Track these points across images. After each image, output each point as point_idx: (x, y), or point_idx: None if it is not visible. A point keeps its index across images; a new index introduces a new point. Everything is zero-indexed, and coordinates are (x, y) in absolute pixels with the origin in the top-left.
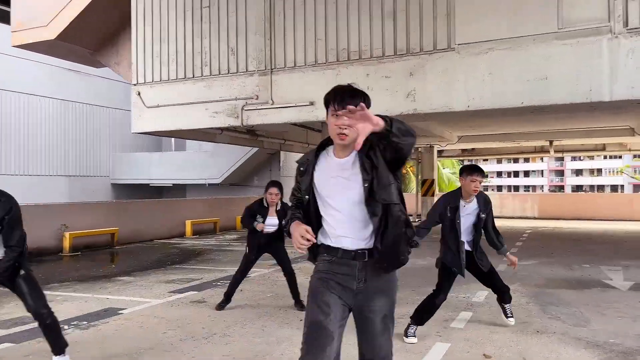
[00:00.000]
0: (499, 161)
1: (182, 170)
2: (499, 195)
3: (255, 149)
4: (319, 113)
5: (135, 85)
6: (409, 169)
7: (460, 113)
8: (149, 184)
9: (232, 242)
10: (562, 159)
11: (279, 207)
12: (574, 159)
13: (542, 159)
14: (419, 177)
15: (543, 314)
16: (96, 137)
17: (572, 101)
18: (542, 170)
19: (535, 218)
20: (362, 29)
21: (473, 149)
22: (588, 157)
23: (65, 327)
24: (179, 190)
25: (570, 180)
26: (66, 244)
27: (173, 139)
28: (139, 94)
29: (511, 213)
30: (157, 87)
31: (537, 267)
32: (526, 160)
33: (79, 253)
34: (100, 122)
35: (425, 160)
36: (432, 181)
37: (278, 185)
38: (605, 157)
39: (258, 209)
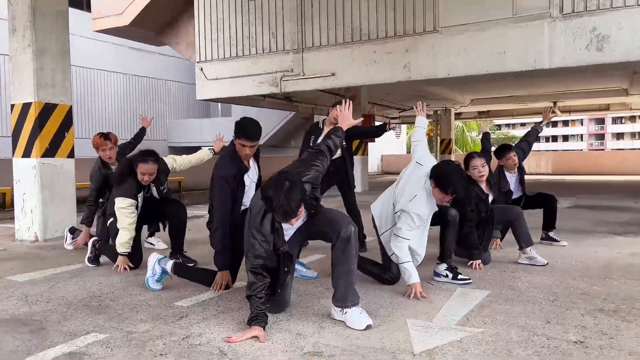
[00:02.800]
0: None
1: (229, 133)
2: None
3: (292, 114)
4: (339, 81)
5: (198, 62)
6: (428, 132)
7: (444, 79)
8: (200, 146)
9: None
10: (602, 121)
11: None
12: (614, 122)
13: (581, 122)
14: (438, 137)
15: None
16: (155, 106)
17: (521, 69)
18: (582, 135)
19: (549, 174)
20: (370, 15)
21: (488, 110)
22: (629, 119)
23: None
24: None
25: (611, 144)
26: None
27: (220, 105)
28: (201, 69)
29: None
30: (215, 64)
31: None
32: (565, 124)
33: None
34: (159, 93)
35: (444, 121)
36: (450, 140)
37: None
38: None
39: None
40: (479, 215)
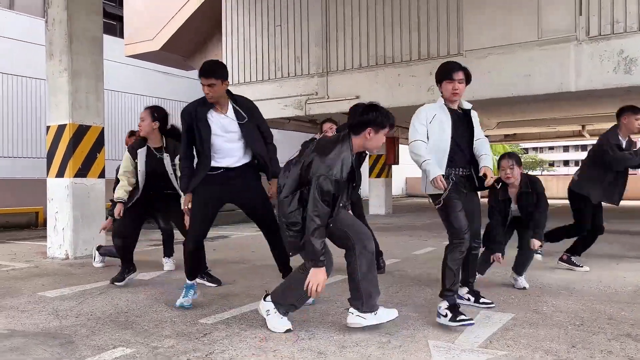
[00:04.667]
0: (566, 149)
1: None
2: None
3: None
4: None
5: None
6: None
7: (469, 102)
8: None
9: None
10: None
11: None
12: None
13: None
14: None
15: None
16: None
17: (547, 92)
18: None
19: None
20: (394, 39)
21: (514, 134)
22: None
23: None
24: None
25: None
26: None
27: None
28: None
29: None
30: (242, 87)
31: None
32: None
33: None
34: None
35: None
36: None
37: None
38: None
39: None
40: (504, 213)
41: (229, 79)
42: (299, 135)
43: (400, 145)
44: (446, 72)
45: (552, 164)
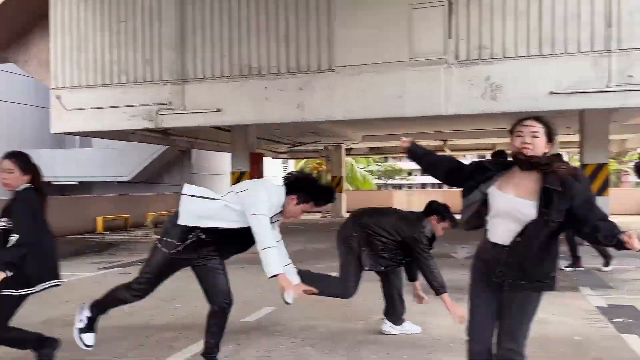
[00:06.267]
0: None
1: (89, 168)
2: (405, 192)
3: (166, 147)
4: (225, 118)
5: (54, 88)
6: (316, 167)
7: (340, 121)
8: (51, 182)
9: (141, 237)
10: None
11: None
12: None
13: None
14: (328, 174)
15: None
16: None
17: (420, 114)
18: None
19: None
20: (261, 49)
21: (380, 147)
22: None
23: None
24: (84, 188)
25: None
26: None
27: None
28: (58, 97)
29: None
30: (76, 92)
31: None
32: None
33: None
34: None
35: (334, 158)
36: (340, 178)
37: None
38: None
39: None
40: None
41: (58, 81)
42: (147, 147)
43: (264, 159)
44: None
45: (410, 173)
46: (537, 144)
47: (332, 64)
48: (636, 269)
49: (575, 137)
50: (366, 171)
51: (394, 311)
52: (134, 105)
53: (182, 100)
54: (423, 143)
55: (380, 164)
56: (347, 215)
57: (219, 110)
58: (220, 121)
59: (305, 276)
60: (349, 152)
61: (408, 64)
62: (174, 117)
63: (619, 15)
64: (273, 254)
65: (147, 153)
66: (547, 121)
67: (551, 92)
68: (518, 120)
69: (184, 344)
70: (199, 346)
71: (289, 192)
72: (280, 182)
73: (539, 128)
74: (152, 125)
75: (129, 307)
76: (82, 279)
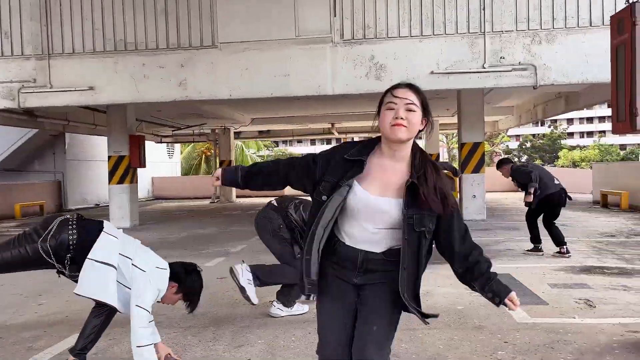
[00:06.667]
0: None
1: None
2: None
3: (35, 131)
4: (99, 97)
5: None
6: (205, 151)
7: (225, 100)
8: None
9: (10, 229)
10: None
11: None
12: None
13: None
14: (217, 158)
15: None
16: None
17: (306, 94)
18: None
19: None
20: (137, 23)
21: (268, 130)
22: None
23: None
24: None
25: None
26: None
27: None
28: None
29: None
30: None
31: None
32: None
33: None
34: None
35: (222, 141)
36: (230, 162)
37: None
38: None
39: None
40: None
41: None
42: (11, 130)
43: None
44: None
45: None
46: (412, 121)
47: (214, 40)
48: (508, 240)
49: (454, 119)
50: (257, 156)
51: (289, 292)
52: None
53: (48, 77)
54: (312, 126)
55: (271, 148)
56: (238, 200)
57: (91, 88)
58: (93, 100)
59: (262, 274)
60: (237, 135)
61: (294, 42)
62: (39, 96)
63: None
64: (150, 352)
65: (11, 138)
66: (421, 90)
67: (432, 72)
68: (387, 89)
69: (46, 343)
70: (66, 343)
71: (171, 279)
72: (165, 265)
73: (414, 99)
74: (13, 105)
75: None
76: None
